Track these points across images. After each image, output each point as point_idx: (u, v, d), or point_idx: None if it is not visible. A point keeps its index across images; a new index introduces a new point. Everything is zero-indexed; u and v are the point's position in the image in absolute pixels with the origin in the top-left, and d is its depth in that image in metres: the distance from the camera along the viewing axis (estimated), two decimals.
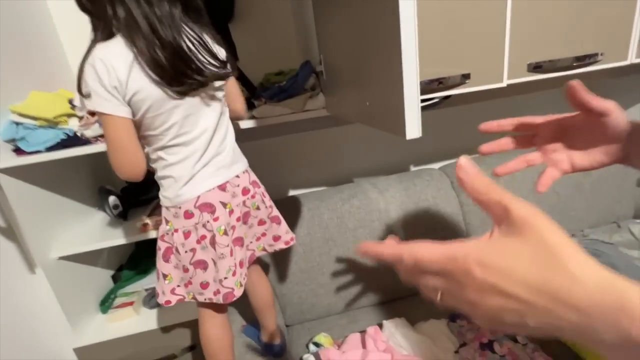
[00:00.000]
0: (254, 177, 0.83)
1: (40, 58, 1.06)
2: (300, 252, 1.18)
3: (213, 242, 0.71)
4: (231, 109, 0.81)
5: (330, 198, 1.24)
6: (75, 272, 1.07)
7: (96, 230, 1.10)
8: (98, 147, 0.89)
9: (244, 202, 0.78)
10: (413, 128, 0.41)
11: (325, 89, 0.91)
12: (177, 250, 0.73)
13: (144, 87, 0.62)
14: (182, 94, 0.65)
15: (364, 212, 1.22)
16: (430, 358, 0.94)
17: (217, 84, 0.71)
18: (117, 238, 1.01)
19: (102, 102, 0.60)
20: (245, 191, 0.78)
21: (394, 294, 1.24)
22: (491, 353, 0.91)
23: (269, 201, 0.84)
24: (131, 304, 1.12)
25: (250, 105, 0.99)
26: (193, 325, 0.98)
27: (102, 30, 0.61)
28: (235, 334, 0.92)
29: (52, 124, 0.89)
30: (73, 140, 0.91)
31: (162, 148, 0.69)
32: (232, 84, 0.81)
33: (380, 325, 1.10)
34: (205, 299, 0.74)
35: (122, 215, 1.15)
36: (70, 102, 0.93)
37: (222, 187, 0.73)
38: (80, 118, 0.90)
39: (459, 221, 1.26)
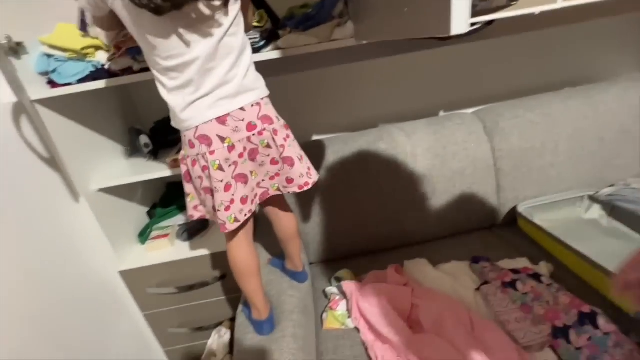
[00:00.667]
0: (267, 111, 0.74)
1: None
2: (324, 193, 1.20)
3: (209, 175, 0.71)
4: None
5: (355, 141, 1.22)
6: (115, 205, 1.15)
7: (130, 166, 1.16)
8: (125, 79, 0.90)
9: (248, 139, 0.72)
10: (460, 20, 0.36)
11: (354, 15, 0.84)
12: (189, 174, 0.76)
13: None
14: (160, 11, 0.57)
15: (389, 155, 1.19)
16: (450, 293, 0.96)
17: (218, 2, 0.62)
18: (149, 173, 1.06)
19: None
20: (250, 126, 0.72)
21: (415, 237, 1.25)
22: (513, 290, 0.91)
23: (281, 140, 0.75)
24: (166, 236, 1.20)
25: (274, 36, 0.95)
26: (223, 256, 1.04)
27: None
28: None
29: (80, 56, 0.90)
30: (101, 72, 0.92)
31: (157, 71, 0.68)
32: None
33: (401, 265, 1.13)
34: (214, 219, 0.77)
35: (153, 153, 1.19)
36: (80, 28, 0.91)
37: (220, 120, 0.69)
38: (107, 51, 0.90)
39: (489, 166, 1.21)
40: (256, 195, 0.81)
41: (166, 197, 1.44)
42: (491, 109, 1.27)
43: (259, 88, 0.75)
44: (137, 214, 1.29)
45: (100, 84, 0.90)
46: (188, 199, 0.80)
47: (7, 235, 0.82)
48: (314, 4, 1.10)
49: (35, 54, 0.90)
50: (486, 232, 1.27)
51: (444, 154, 1.19)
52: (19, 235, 0.85)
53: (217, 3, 0.62)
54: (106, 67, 0.90)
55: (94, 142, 1.10)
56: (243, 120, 0.71)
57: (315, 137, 1.45)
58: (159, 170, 1.06)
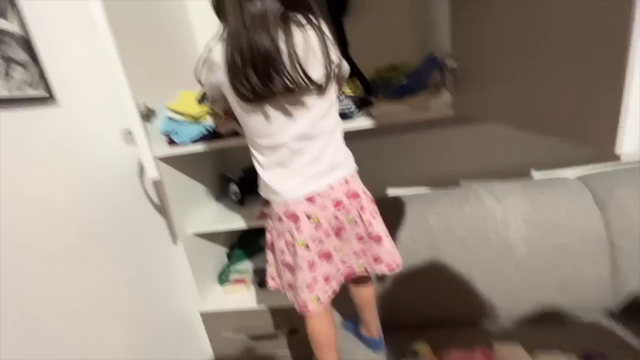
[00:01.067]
0: (354, 186, 0.74)
1: (184, 61, 1.24)
2: (402, 255, 1.14)
3: (295, 252, 0.71)
4: None
5: (437, 202, 1.17)
6: (203, 247, 1.24)
7: (220, 212, 1.25)
8: (231, 142, 1.00)
9: (335, 216, 0.72)
10: (631, 139, 0.32)
11: (455, 87, 0.83)
12: (273, 245, 0.78)
13: (224, 82, 0.65)
14: (249, 100, 0.62)
15: (477, 220, 1.11)
16: None
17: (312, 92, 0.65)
18: (238, 222, 1.13)
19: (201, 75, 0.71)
20: (337, 204, 0.71)
21: (505, 314, 1.11)
22: None
23: (368, 216, 0.74)
24: (244, 281, 1.25)
25: (366, 103, 0.98)
26: (295, 311, 1.04)
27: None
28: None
29: (196, 119, 1.03)
30: (211, 134, 1.03)
31: (252, 146, 0.73)
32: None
33: (489, 347, 1.00)
34: (290, 298, 0.77)
35: (240, 201, 1.28)
36: (198, 99, 1.04)
37: (310, 199, 0.70)
38: (215, 115, 1.02)
39: (602, 243, 1.05)
40: (341, 274, 0.79)
41: (243, 238, 1.52)
42: (602, 176, 1.12)
43: (347, 165, 0.75)
44: (219, 254, 1.38)
45: (212, 145, 1.02)
46: (268, 268, 0.83)
47: (117, 267, 0.93)
48: (401, 69, 1.13)
49: (161, 117, 1.05)
50: (598, 319, 1.07)
51: (543, 225, 1.06)
52: (127, 267, 0.97)
53: (311, 93, 0.65)
54: (216, 129, 1.01)
55: (192, 188, 1.22)
56: (331, 197, 0.71)
57: (390, 191, 1.43)
58: (248, 220, 1.13)
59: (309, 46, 0.62)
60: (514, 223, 1.08)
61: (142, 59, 0.97)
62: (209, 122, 1.03)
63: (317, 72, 0.63)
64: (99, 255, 0.88)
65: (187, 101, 1.06)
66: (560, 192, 1.09)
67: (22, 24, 0.69)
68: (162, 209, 1.10)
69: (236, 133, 1.01)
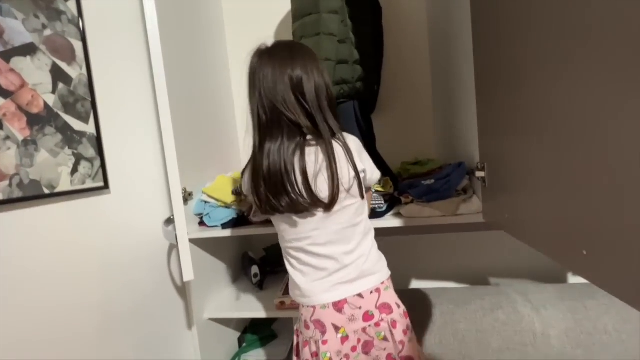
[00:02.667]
0: (386, 297, 0.71)
1: (223, 146, 1.35)
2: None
3: None
4: None
5: (467, 304, 1.10)
6: (216, 331, 1.18)
7: (239, 296, 1.22)
8: (261, 230, 1.02)
9: (364, 329, 0.69)
10: None
11: (485, 195, 0.85)
12: (298, 349, 0.75)
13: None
14: (265, 213, 0.68)
15: (512, 331, 1.02)
16: None
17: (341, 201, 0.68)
18: (256, 310, 1.09)
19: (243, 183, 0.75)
20: (367, 316, 0.69)
21: None
22: None
23: (400, 334, 0.69)
24: None
25: (395, 201, 1.00)
26: None
27: None
28: None
29: (228, 205, 1.08)
30: (241, 219, 1.07)
31: (283, 247, 0.75)
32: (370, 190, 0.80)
33: None
34: None
35: (260, 284, 1.25)
36: (233, 191, 1.10)
37: (338, 307, 0.68)
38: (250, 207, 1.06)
39: None
40: None
41: (256, 322, 1.44)
42: None
43: (379, 271, 0.73)
44: (230, 340, 1.30)
45: (243, 231, 1.04)
46: None
47: (131, 349, 0.90)
48: (426, 164, 1.18)
49: (196, 199, 1.11)
50: None
51: (589, 344, 0.96)
52: (140, 351, 0.92)
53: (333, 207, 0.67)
54: (248, 218, 1.05)
55: (214, 268, 1.22)
56: (360, 308, 0.69)
57: (414, 284, 1.37)
58: (266, 310, 1.08)
59: (319, 165, 0.66)
60: (555, 338, 0.98)
61: (187, 143, 1.06)
62: (240, 207, 1.07)
63: (325, 189, 0.66)
64: (115, 335, 0.85)
65: (223, 186, 1.13)
66: (605, 307, 1.00)
67: (97, 126, 0.79)
68: (182, 290, 1.09)
69: (267, 221, 1.03)
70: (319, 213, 0.67)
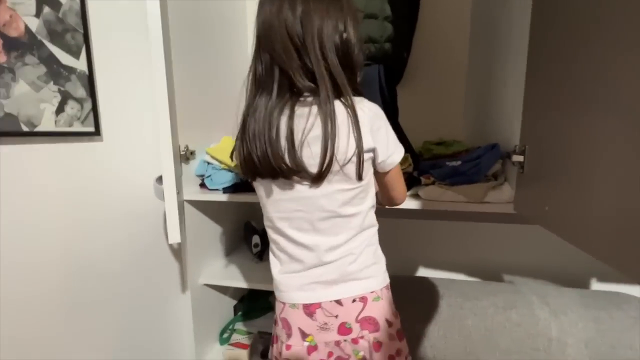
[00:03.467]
0: (373, 310, 0.58)
1: (232, 107, 1.25)
2: (429, 357, 0.98)
3: None
4: (382, 197, 0.67)
5: (477, 299, 1.02)
6: (211, 299, 1.15)
7: (237, 265, 1.17)
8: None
9: (337, 343, 0.57)
10: None
11: (520, 183, 0.74)
12: (273, 341, 0.68)
13: None
14: (249, 174, 0.58)
15: (525, 333, 0.94)
16: None
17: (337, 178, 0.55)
18: (253, 281, 1.04)
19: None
20: (343, 329, 0.57)
21: None
22: None
23: (383, 358, 0.56)
24: (245, 347, 1.12)
25: (414, 181, 0.90)
26: None
27: None
28: None
29: (232, 168, 1.00)
30: (243, 184, 0.99)
31: (266, 226, 0.64)
32: (393, 174, 0.62)
33: None
34: None
35: (260, 255, 1.20)
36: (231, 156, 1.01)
37: (309, 310, 0.57)
38: None
39: None
40: None
41: (254, 291, 1.41)
42: None
43: (370, 277, 0.59)
44: (225, 307, 1.27)
45: (244, 197, 0.97)
46: None
47: (120, 308, 0.86)
48: (451, 145, 1.06)
49: (199, 159, 1.03)
50: None
51: (610, 358, 0.87)
52: (129, 310, 0.90)
53: (307, 181, 0.55)
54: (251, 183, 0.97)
55: (214, 233, 1.16)
56: (337, 317, 0.57)
57: (421, 271, 1.29)
58: (264, 282, 1.03)
59: (308, 129, 0.53)
60: (572, 347, 0.90)
61: (194, 100, 0.98)
62: None
63: (315, 161, 0.53)
64: (104, 292, 0.81)
65: (228, 148, 1.03)
66: (633, 320, 0.91)
67: (90, 62, 0.71)
68: (178, 253, 1.04)
69: None
70: (305, 189, 0.55)
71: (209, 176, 1.01)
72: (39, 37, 0.61)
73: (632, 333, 0.89)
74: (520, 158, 0.72)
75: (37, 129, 0.61)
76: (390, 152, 0.59)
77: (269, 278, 1.03)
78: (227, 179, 0.99)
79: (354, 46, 0.55)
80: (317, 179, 0.53)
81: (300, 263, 0.58)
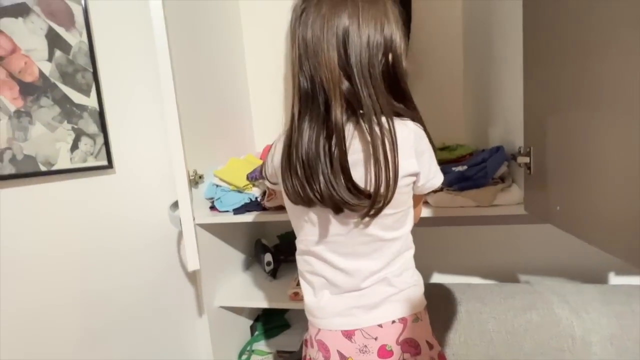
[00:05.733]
0: (413, 332, 0.56)
1: (236, 127, 1.28)
2: None
3: None
4: None
5: (495, 302, 1.01)
6: (228, 320, 1.14)
7: (251, 284, 1.17)
8: (275, 217, 0.95)
9: None
10: None
11: (528, 184, 0.75)
12: None
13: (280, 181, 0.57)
14: (294, 202, 0.53)
15: (547, 334, 0.92)
16: None
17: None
18: (268, 300, 1.04)
19: (266, 165, 0.63)
20: (384, 352, 0.54)
21: None
22: None
23: None
24: None
25: None
26: None
27: None
28: None
29: (240, 189, 1.01)
30: (253, 204, 1.00)
31: (299, 249, 0.62)
32: (419, 197, 0.62)
33: None
34: None
35: (273, 273, 1.20)
36: (248, 177, 1.02)
37: (347, 333, 0.55)
38: (264, 192, 0.99)
39: None
40: None
41: (269, 310, 1.40)
42: None
43: (411, 298, 0.57)
44: (242, 328, 1.26)
45: (255, 217, 0.98)
46: None
47: (138, 338, 0.86)
48: (454, 149, 1.07)
49: (207, 182, 1.05)
50: None
51: (638, 353, 0.86)
52: (147, 340, 0.90)
53: (357, 215, 0.51)
54: (262, 203, 0.98)
55: (226, 256, 1.17)
56: (376, 339, 0.55)
57: (436, 277, 1.28)
58: (279, 300, 1.03)
59: (368, 154, 0.50)
60: (597, 345, 0.89)
61: (199, 125, 1.00)
62: (253, 192, 1.01)
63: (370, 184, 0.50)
64: (123, 325, 0.82)
65: (236, 169, 1.06)
66: None
67: (100, 99, 0.73)
68: (192, 277, 1.05)
69: (281, 207, 0.97)
70: (348, 213, 0.52)
71: (219, 198, 1.02)
72: (52, 80, 0.64)
73: None
74: (526, 159, 0.73)
75: (54, 168, 0.63)
76: (431, 176, 0.58)
77: (284, 296, 1.05)
78: (237, 200, 1.01)
79: (402, 58, 0.52)
80: (379, 207, 0.50)
81: (338, 287, 0.56)
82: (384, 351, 0.54)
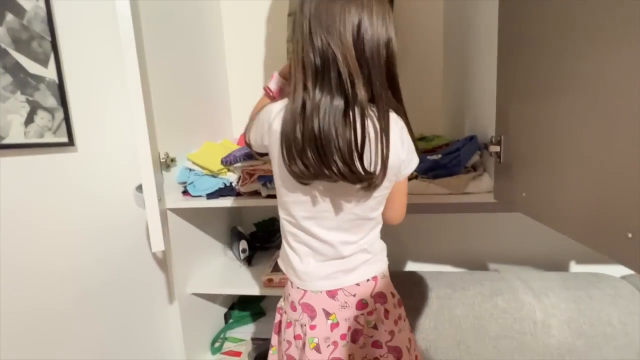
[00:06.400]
0: (382, 286, 0.65)
1: (213, 111, 1.24)
2: (423, 347, 1.00)
3: (303, 349, 0.63)
4: (383, 213, 0.67)
5: (465, 289, 1.04)
6: (200, 307, 1.12)
7: (225, 271, 1.15)
8: (250, 202, 0.94)
9: (355, 317, 0.63)
10: None
11: (498, 172, 0.77)
12: (280, 328, 0.70)
13: (276, 153, 0.57)
14: (300, 179, 0.55)
15: (511, 318, 0.97)
16: None
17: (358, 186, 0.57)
18: (242, 287, 1.03)
19: (253, 129, 0.62)
20: (360, 304, 0.63)
21: None
22: None
23: (391, 324, 0.65)
24: (239, 354, 1.10)
25: None
26: None
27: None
28: None
29: (215, 174, 0.98)
30: (228, 189, 0.98)
31: (285, 220, 0.64)
32: (402, 187, 0.67)
33: None
34: None
35: (248, 261, 1.18)
36: (223, 161, 0.99)
37: (331, 293, 0.62)
38: (239, 177, 0.96)
39: None
40: None
41: (244, 298, 1.39)
42: None
43: (379, 261, 0.67)
44: (215, 316, 1.24)
45: (227, 202, 0.96)
46: (270, 351, 0.73)
47: (105, 324, 0.83)
48: (431, 140, 1.09)
49: (180, 166, 1.01)
50: None
51: (592, 335, 0.91)
52: (115, 326, 0.86)
53: (362, 185, 0.56)
54: (236, 188, 0.96)
55: (199, 243, 1.14)
56: (354, 295, 0.63)
57: (409, 265, 1.31)
58: (253, 286, 1.02)
59: (370, 138, 0.54)
60: (556, 328, 0.94)
61: (172, 106, 0.96)
62: (227, 177, 0.98)
63: (373, 164, 0.55)
64: (88, 310, 0.78)
65: (210, 153, 1.03)
66: (610, 298, 0.95)
67: (59, 71, 0.68)
68: (163, 263, 1.01)
69: (256, 192, 0.95)
70: (341, 194, 0.58)
71: (192, 183, 0.99)
72: (3, 46, 0.58)
73: (610, 310, 0.93)
74: (496, 148, 0.75)
75: (4, 142, 0.58)
76: (410, 160, 0.62)
77: (259, 283, 1.04)
78: (211, 184, 0.98)
79: (396, 54, 0.55)
80: (373, 185, 0.55)
81: (323, 256, 0.62)
82: (360, 304, 0.63)
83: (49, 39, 0.66)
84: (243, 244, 1.19)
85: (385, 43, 0.53)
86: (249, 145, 0.65)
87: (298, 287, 0.64)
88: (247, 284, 1.04)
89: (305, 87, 0.53)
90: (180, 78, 1.02)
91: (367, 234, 0.63)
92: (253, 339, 1.20)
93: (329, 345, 0.62)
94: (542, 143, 0.61)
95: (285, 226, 0.65)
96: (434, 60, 1.25)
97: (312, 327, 0.62)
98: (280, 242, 0.69)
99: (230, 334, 1.23)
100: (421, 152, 0.93)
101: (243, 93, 1.35)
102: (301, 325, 0.63)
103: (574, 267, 1.19)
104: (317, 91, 0.53)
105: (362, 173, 0.53)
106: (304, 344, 0.62)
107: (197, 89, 1.13)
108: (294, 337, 0.64)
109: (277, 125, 0.56)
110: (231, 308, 1.33)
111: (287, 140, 0.53)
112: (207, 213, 1.15)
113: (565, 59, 0.53)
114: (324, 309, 0.62)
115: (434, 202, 0.83)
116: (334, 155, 0.52)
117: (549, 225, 0.57)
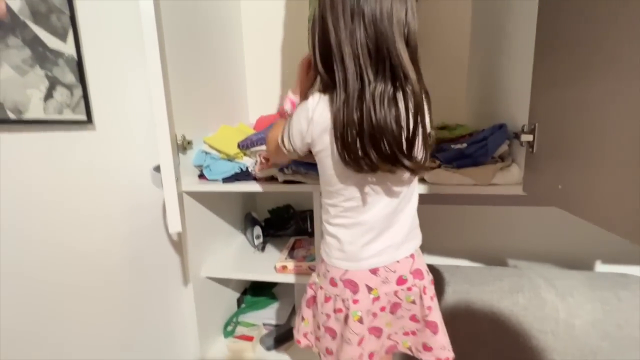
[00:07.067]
0: (419, 264, 0.69)
1: (229, 94, 1.22)
2: None
3: (346, 321, 0.66)
4: None
5: (483, 284, 1.01)
6: (213, 292, 1.13)
7: (239, 256, 1.15)
8: (266, 187, 0.92)
9: (395, 292, 0.68)
10: None
11: (529, 164, 0.72)
12: (315, 302, 0.73)
13: (326, 145, 0.59)
14: (359, 170, 0.57)
15: (532, 317, 0.93)
16: None
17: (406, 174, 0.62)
18: (256, 272, 1.03)
19: (290, 133, 0.62)
20: (400, 280, 0.67)
21: None
22: None
23: (429, 300, 0.68)
24: (251, 339, 1.11)
25: None
26: None
27: (321, 82, 0.60)
28: None
29: (231, 157, 0.97)
30: (244, 174, 0.96)
31: (334, 206, 0.66)
32: None
33: None
34: None
35: (261, 247, 1.18)
36: (239, 145, 0.98)
37: (373, 270, 0.66)
38: (255, 161, 0.94)
39: None
40: (384, 349, 0.72)
41: (257, 284, 1.39)
42: None
43: (415, 237, 0.70)
44: (229, 300, 1.25)
45: (244, 187, 0.94)
46: (302, 323, 0.76)
47: (119, 303, 0.84)
48: (454, 129, 1.04)
49: (197, 149, 1.00)
50: None
51: (617, 338, 0.87)
52: (130, 304, 0.87)
53: (406, 175, 0.61)
54: (252, 173, 0.94)
55: (214, 227, 1.14)
56: (395, 272, 0.67)
57: (425, 258, 1.28)
58: (266, 272, 1.01)
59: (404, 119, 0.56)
60: (580, 328, 0.90)
61: (189, 88, 0.94)
62: (244, 161, 0.97)
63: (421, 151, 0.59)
64: (105, 288, 0.79)
65: (227, 137, 1.01)
66: (639, 296, 0.90)
67: (78, 47, 0.67)
68: (179, 245, 1.02)
69: (272, 178, 0.93)
70: (395, 182, 0.62)
71: (208, 166, 0.98)
72: (22, 18, 0.57)
73: (638, 313, 0.88)
74: (529, 137, 0.70)
75: (24, 117, 0.57)
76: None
77: (272, 269, 1.03)
78: (227, 168, 0.96)
79: (415, 32, 0.55)
80: (420, 169, 0.59)
81: (376, 238, 0.65)
82: (400, 280, 0.67)
83: (68, 13, 0.65)
84: (257, 230, 1.19)
85: (415, 31, 0.54)
86: (290, 151, 0.64)
87: (338, 267, 0.67)
88: (260, 270, 1.04)
89: (359, 76, 0.53)
90: (197, 60, 1.00)
91: (410, 213, 0.68)
92: (265, 324, 1.21)
93: (369, 316, 0.66)
94: (581, 132, 0.56)
95: (331, 211, 0.67)
96: (459, 49, 1.19)
97: (355, 302, 0.65)
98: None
99: (243, 318, 1.23)
100: (444, 142, 0.92)
101: (259, 77, 1.33)
102: (342, 300, 0.66)
103: (600, 267, 1.14)
104: (372, 82, 0.53)
105: (413, 162, 0.56)
106: (345, 317, 0.66)
107: (214, 71, 1.11)
108: (334, 311, 0.67)
109: (318, 117, 0.58)
110: (244, 293, 1.34)
111: (343, 130, 0.54)
112: (222, 197, 1.15)
113: (608, 42, 0.48)
114: (366, 285, 0.66)
115: (457, 192, 0.79)
116: (392, 147, 0.54)
117: (589, 220, 0.53)
